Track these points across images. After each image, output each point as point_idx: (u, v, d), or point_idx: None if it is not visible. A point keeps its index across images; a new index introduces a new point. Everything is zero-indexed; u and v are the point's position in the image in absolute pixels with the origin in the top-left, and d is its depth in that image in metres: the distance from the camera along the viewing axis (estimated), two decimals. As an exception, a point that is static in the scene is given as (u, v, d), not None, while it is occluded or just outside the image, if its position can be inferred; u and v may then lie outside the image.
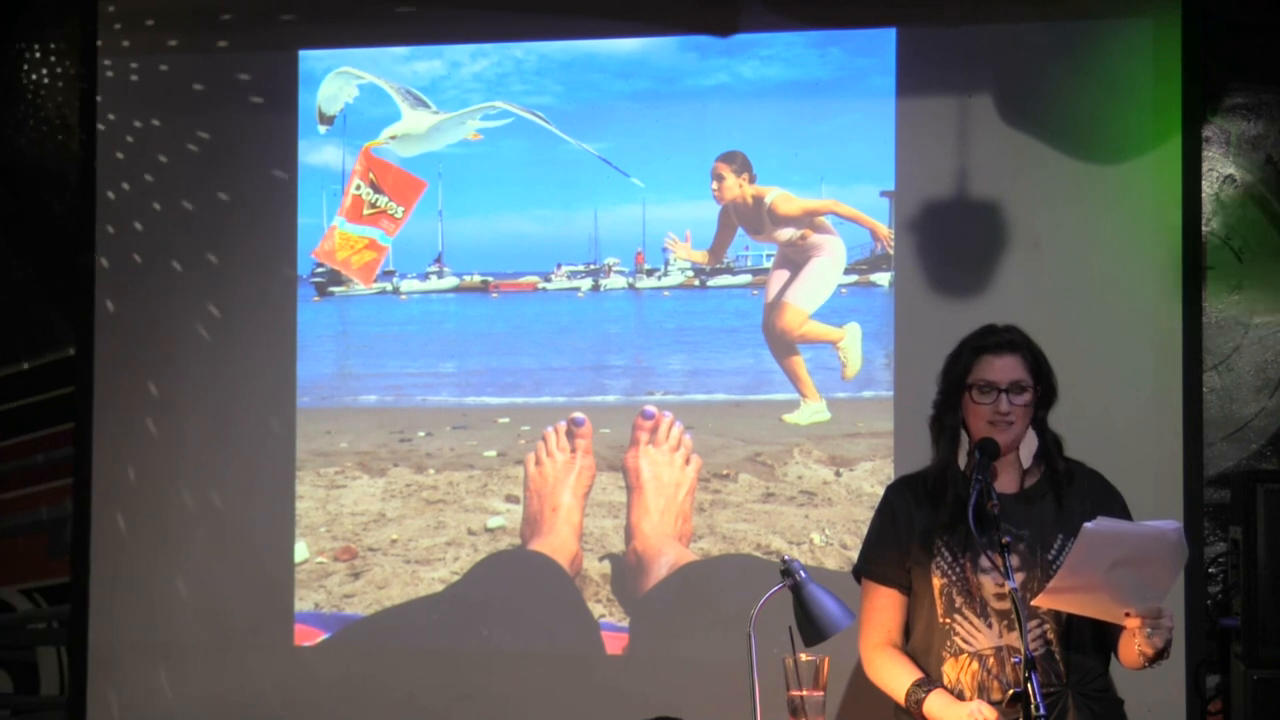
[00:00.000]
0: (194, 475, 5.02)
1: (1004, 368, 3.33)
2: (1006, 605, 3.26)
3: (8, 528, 5.24)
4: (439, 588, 4.89)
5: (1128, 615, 3.13)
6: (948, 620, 3.34)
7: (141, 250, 5.09)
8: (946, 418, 3.39)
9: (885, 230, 4.70)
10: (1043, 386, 3.37)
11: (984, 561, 3.29)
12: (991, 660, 3.30)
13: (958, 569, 3.32)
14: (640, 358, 4.85)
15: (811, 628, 3.29)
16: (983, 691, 3.29)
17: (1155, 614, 3.12)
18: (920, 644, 3.40)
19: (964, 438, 3.39)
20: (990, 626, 3.31)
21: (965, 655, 3.32)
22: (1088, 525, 3.04)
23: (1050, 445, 3.38)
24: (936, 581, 3.34)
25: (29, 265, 5.29)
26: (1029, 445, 3.38)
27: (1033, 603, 3.19)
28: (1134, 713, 3.42)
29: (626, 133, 4.85)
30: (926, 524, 3.37)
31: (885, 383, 4.68)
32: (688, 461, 4.78)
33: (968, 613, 3.32)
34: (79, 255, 5.13)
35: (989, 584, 3.30)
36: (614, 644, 4.78)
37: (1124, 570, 3.06)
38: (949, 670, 3.33)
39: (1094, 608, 3.17)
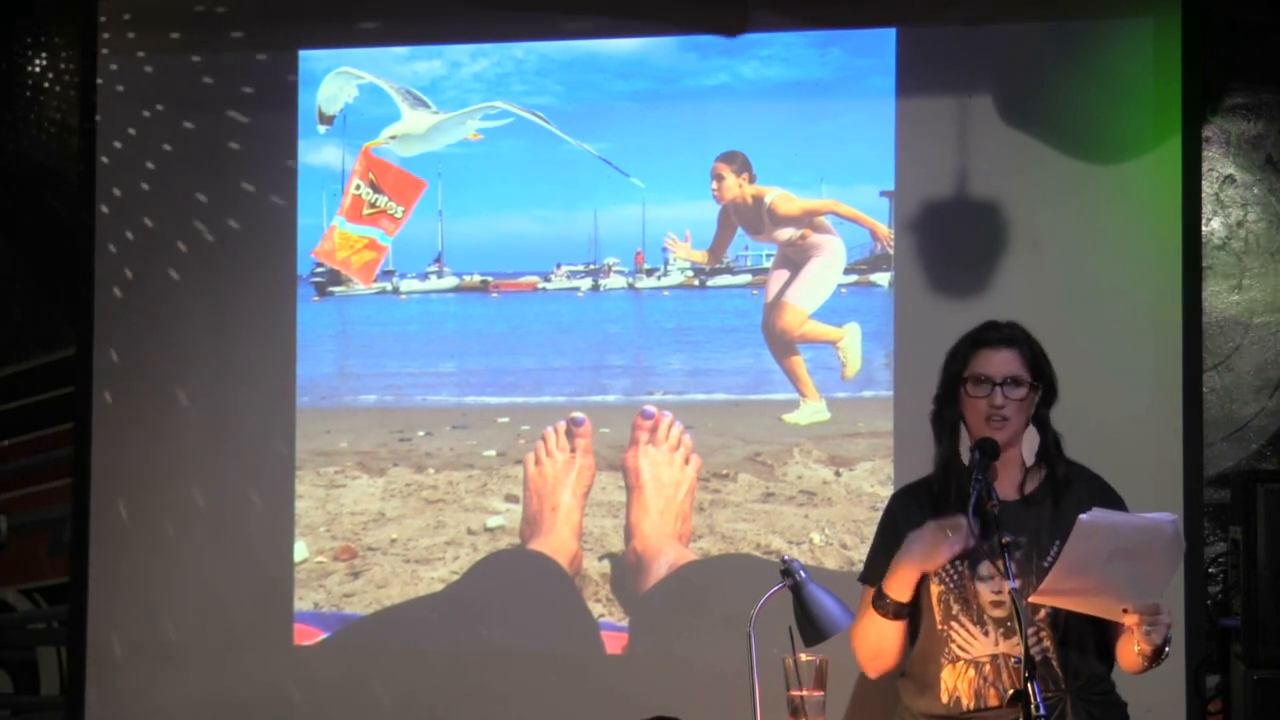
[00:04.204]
0: (194, 474, 5.02)
1: (1000, 362, 3.33)
2: (1002, 613, 3.27)
3: (8, 527, 5.24)
4: (439, 587, 4.89)
5: (1125, 612, 3.12)
6: (945, 627, 3.34)
7: (141, 250, 5.10)
8: (946, 412, 3.40)
9: (885, 230, 4.70)
10: (1042, 384, 3.36)
11: (982, 569, 3.29)
12: (988, 668, 3.30)
13: (955, 576, 3.32)
14: (640, 358, 4.85)
15: (811, 628, 3.28)
16: (979, 699, 3.29)
17: (1153, 610, 3.11)
18: (920, 651, 3.40)
19: (964, 434, 3.38)
20: (986, 634, 3.31)
21: (962, 662, 3.32)
22: (1083, 516, 3.04)
23: (1050, 445, 3.37)
24: (934, 589, 3.34)
25: (29, 265, 5.29)
26: (1030, 444, 3.38)
27: (1031, 599, 3.19)
28: (1134, 713, 3.42)
29: (626, 133, 4.85)
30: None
31: (885, 383, 4.68)
32: (687, 461, 4.78)
33: (964, 620, 3.32)
34: (79, 255, 5.13)
35: (985, 592, 3.30)
36: (613, 644, 4.78)
37: (1121, 564, 3.05)
38: (946, 677, 3.33)
39: (1092, 604, 3.17)
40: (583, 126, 4.87)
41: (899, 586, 3.32)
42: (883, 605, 3.34)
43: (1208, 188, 4.62)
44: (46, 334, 5.26)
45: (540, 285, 4.92)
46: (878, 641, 3.38)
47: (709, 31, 4.79)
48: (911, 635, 3.41)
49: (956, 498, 3.32)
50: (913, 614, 3.40)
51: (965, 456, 3.36)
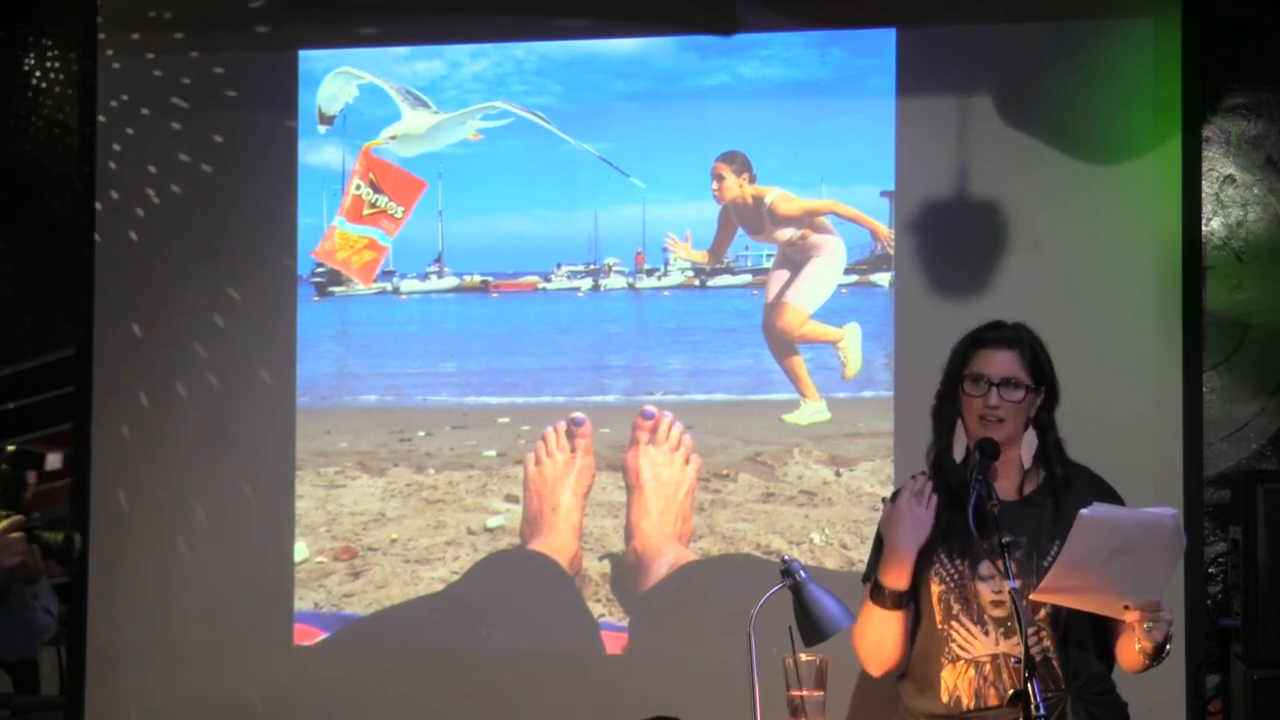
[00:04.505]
0: (194, 474, 5.02)
1: (999, 362, 3.32)
2: (1003, 613, 3.26)
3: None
4: (439, 587, 4.89)
5: (1126, 609, 3.12)
6: (945, 627, 3.34)
7: (141, 250, 5.09)
8: (945, 409, 3.40)
9: (885, 230, 4.70)
10: (1043, 387, 3.36)
11: (983, 569, 3.29)
12: (988, 667, 3.30)
13: (956, 576, 3.32)
14: (640, 358, 4.85)
15: (811, 628, 3.28)
16: (979, 698, 3.29)
17: (1154, 607, 3.11)
18: (920, 650, 3.40)
19: (961, 432, 3.38)
20: (987, 634, 3.30)
21: (962, 662, 3.32)
22: (1084, 511, 3.04)
23: (1050, 448, 3.36)
24: (935, 588, 3.34)
25: (29, 265, 5.29)
26: (1029, 446, 3.37)
27: (1032, 597, 3.18)
28: (1134, 713, 3.42)
29: (626, 133, 4.85)
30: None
31: (885, 383, 4.68)
32: (687, 461, 4.78)
33: (965, 620, 3.32)
34: (79, 255, 5.13)
35: (986, 592, 3.30)
36: (614, 644, 4.78)
37: (1122, 560, 3.05)
38: (946, 677, 3.33)
39: (1093, 602, 3.17)
40: (583, 126, 4.87)
41: (894, 574, 3.32)
42: (880, 596, 3.33)
43: (1208, 188, 4.62)
44: (46, 334, 5.26)
45: (540, 285, 4.92)
46: (879, 636, 3.37)
47: (704, 31, 4.79)
48: (912, 635, 3.41)
49: (947, 493, 3.32)
50: (914, 613, 3.39)
51: (960, 454, 3.36)
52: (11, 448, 3.62)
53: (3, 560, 3.46)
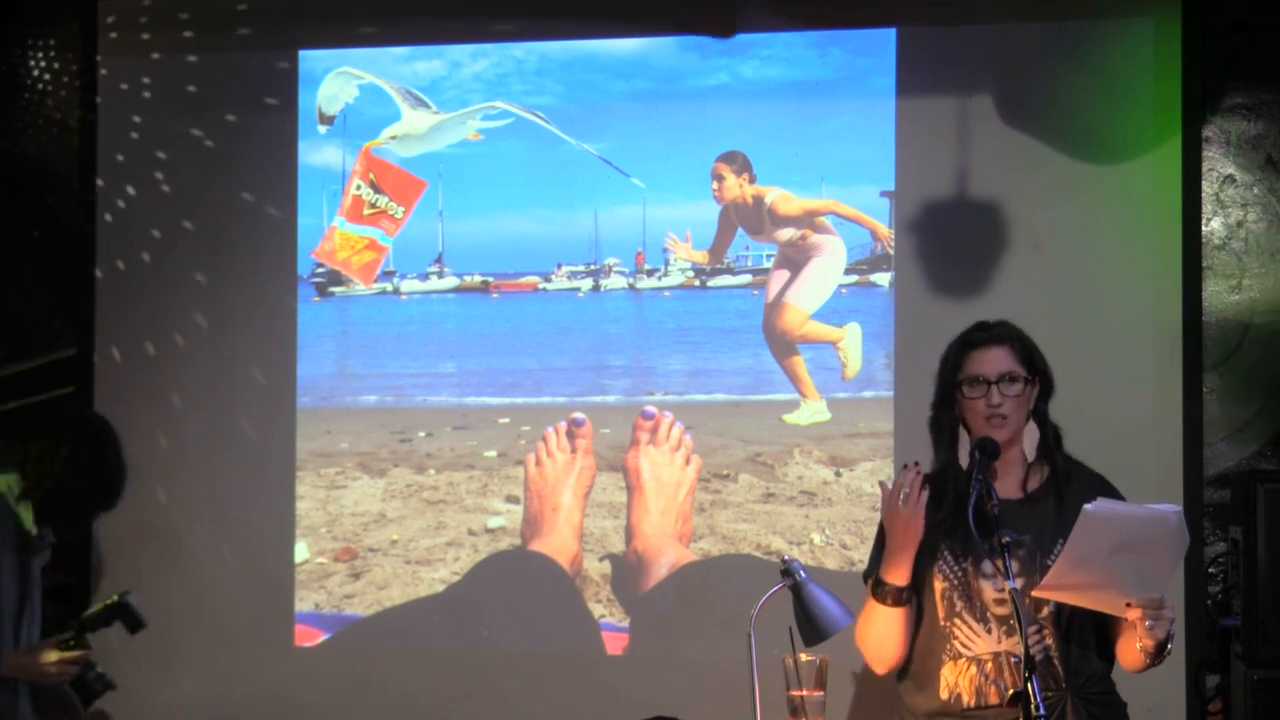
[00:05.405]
0: (194, 475, 5.02)
1: (993, 360, 3.33)
2: (1005, 611, 3.26)
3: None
4: (439, 588, 4.89)
5: (1129, 606, 3.12)
6: (948, 624, 3.34)
7: (141, 250, 5.09)
8: (943, 417, 3.40)
9: (885, 230, 4.70)
10: (1038, 377, 3.37)
11: (986, 566, 3.29)
12: (990, 665, 3.30)
13: (959, 573, 3.32)
14: (640, 358, 4.85)
15: (811, 628, 3.29)
16: (980, 696, 3.29)
17: (1156, 605, 3.11)
18: (921, 647, 3.40)
19: (964, 436, 3.39)
20: (989, 632, 3.31)
21: (964, 659, 3.32)
22: (1087, 506, 3.04)
23: (1050, 438, 3.38)
24: (938, 585, 3.34)
25: (29, 265, 5.29)
26: (1031, 439, 3.38)
27: (1034, 594, 3.18)
28: (1134, 713, 3.42)
29: (626, 133, 4.85)
30: (930, 528, 3.36)
31: (885, 383, 4.68)
32: (688, 462, 4.78)
33: (967, 617, 3.32)
34: (79, 256, 5.13)
35: (989, 590, 3.30)
36: (614, 644, 4.78)
37: (1124, 557, 3.05)
38: (947, 674, 3.33)
39: (1095, 599, 3.17)
40: (583, 126, 4.87)
41: (893, 571, 3.32)
42: (881, 592, 3.34)
43: (1208, 188, 4.62)
44: (46, 334, 5.26)
45: (541, 286, 4.92)
46: (881, 634, 3.37)
47: (702, 33, 4.79)
48: (914, 632, 3.41)
49: (952, 497, 3.32)
50: (916, 610, 3.39)
51: (965, 461, 3.36)
52: (115, 596, 3.95)
53: (48, 681, 3.88)
